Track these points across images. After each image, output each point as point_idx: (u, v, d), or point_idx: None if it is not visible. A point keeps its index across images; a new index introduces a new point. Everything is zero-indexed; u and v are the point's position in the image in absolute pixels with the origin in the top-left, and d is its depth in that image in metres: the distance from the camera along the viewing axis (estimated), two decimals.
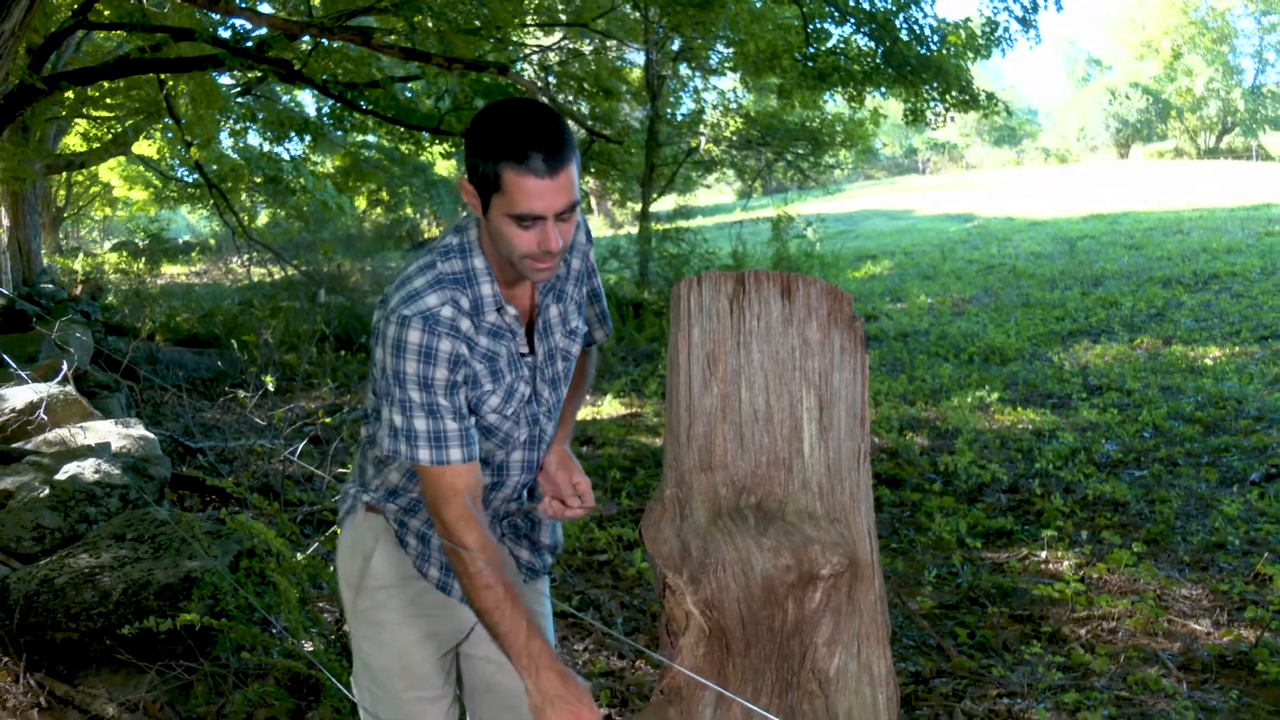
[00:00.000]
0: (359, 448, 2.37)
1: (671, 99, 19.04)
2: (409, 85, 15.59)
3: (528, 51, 16.69)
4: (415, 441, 2.05)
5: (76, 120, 18.45)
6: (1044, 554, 5.47)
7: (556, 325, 2.22)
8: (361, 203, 28.72)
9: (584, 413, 9.07)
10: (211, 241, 30.44)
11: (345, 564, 2.38)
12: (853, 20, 14.78)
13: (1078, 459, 7.09)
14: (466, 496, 2.08)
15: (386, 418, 2.09)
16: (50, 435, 6.14)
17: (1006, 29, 14.92)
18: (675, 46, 17.50)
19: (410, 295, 2.03)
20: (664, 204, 20.34)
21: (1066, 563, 5.32)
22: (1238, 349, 10.13)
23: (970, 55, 15.37)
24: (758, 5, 15.06)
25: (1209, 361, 9.70)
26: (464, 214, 2.16)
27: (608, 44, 17.45)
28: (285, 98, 19.73)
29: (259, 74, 12.91)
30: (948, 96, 15.39)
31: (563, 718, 1.91)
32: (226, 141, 18.55)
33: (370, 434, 2.27)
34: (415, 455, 2.06)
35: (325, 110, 16.15)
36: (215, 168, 16.32)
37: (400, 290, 2.05)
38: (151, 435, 6.40)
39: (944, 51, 14.99)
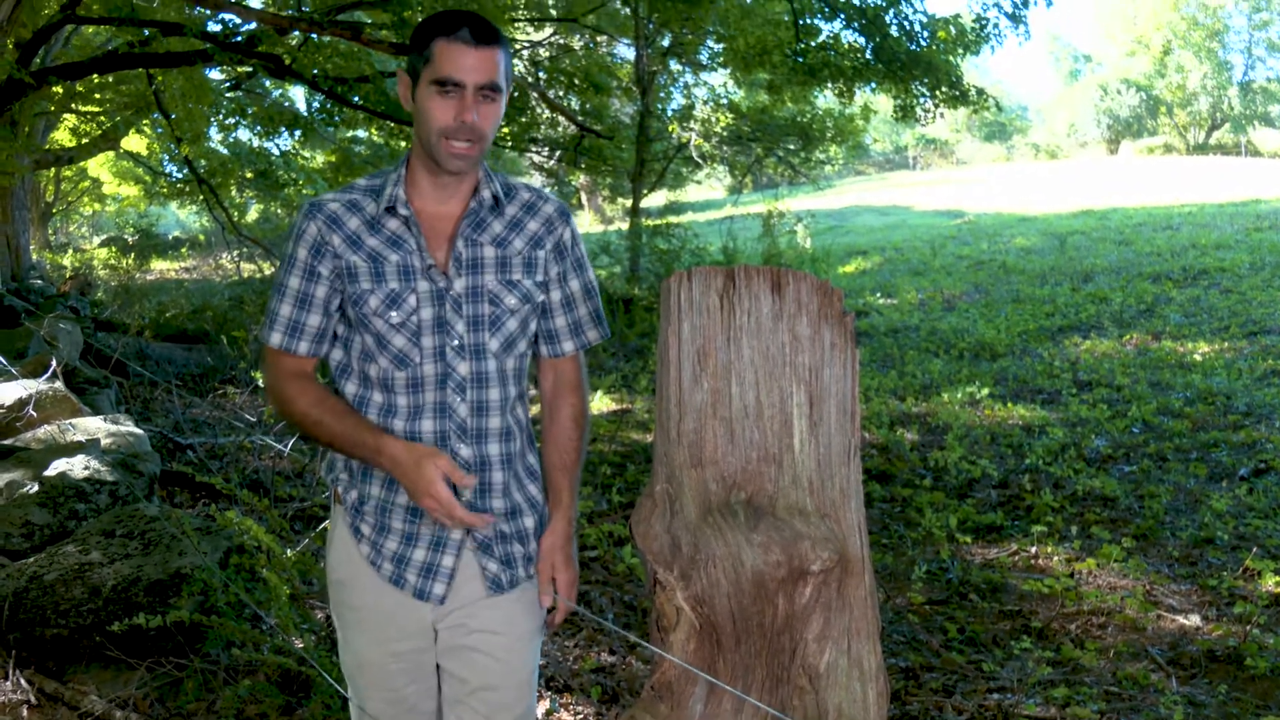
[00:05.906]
0: None
1: (662, 94, 19.03)
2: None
3: (518, 47, 16.68)
4: (273, 323, 2.20)
5: (65, 115, 18.39)
6: (1034, 549, 5.49)
7: (490, 266, 2.21)
8: None
9: None
10: (201, 237, 30.30)
11: (326, 554, 2.42)
12: (842, 15, 14.80)
13: (1067, 454, 7.10)
14: (300, 380, 2.22)
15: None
16: (39, 431, 6.11)
17: (996, 25, 14.96)
18: (665, 42, 17.50)
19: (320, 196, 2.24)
20: (654, 199, 20.33)
21: (1056, 558, 5.33)
22: (1226, 345, 10.16)
23: (960, 51, 15.39)
24: (747, 1, 15.07)
25: (1198, 357, 9.72)
26: None
27: (598, 39, 17.45)
28: (275, 93, 19.68)
29: (249, 69, 12.87)
30: (938, 92, 15.42)
31: (427, 471, 2.02)
32: (216, 137, 18.51)
33: None
34: (268, 337, 2.21)
35: (315, 105, 16.11)
36: (205, 163, 16.28)
37: None
38: (141, 431, 6.37)
39: (934, 47, 15.01)
